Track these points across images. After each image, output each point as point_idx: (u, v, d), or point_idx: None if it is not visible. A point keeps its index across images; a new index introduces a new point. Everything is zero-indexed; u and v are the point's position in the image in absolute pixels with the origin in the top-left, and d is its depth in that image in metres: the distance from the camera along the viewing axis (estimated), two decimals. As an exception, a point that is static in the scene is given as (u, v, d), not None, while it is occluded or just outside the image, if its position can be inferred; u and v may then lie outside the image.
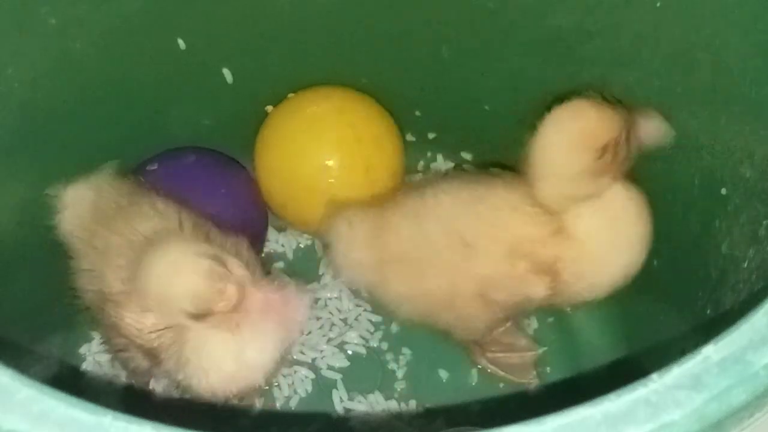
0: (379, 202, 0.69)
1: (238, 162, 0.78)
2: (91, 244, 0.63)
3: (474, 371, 0.74)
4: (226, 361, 0.57)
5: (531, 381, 0.74)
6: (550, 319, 0.76)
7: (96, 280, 0.62)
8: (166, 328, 0.58)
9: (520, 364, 0.74)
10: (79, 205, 0.65)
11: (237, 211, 0.73)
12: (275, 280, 0.61)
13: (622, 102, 0.60)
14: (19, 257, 0.65)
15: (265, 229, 0.78)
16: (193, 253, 0.55)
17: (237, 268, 0.56)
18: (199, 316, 0.55)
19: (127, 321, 0.59)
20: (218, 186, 0.74)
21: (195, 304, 0.54)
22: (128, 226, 0.62)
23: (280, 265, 0.78)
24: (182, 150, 0.75)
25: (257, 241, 0.77)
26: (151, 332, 0.58)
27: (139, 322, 0.58)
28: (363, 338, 0.75)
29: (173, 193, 0.68)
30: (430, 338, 0.74)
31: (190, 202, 0.68)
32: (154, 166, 0.73)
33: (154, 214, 0.63)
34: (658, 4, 0.58)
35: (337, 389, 0.72)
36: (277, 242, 0.79)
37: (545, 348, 0.75)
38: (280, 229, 0.79)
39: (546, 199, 0.61)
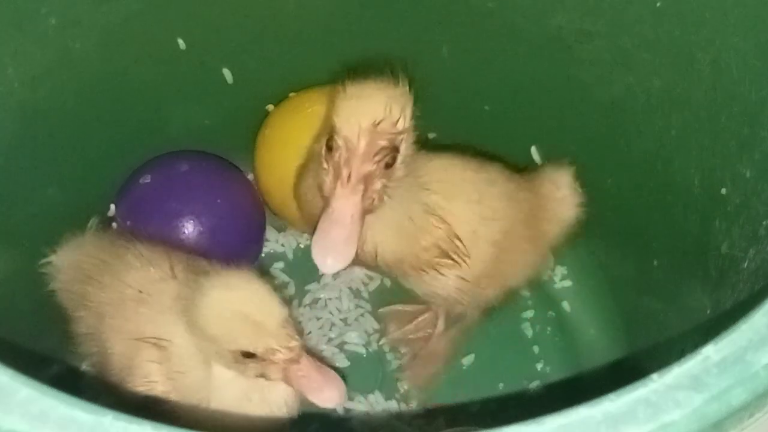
0: None
1: (233, 164, 0.78)
2: (84, 306, 0.61)
3: (474, 371, 0.74)
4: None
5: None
6: (550, 319, 0.76)
7: (96, 342, 0.61)
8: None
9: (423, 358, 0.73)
10: (65, 271, 0.64)
11: (234, 219, 0.73)
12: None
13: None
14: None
15: (263, 232, 0.78)
16: (268, 290, 0.52)
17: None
18: (252, 357, 0.51)
19: (137, 384, 0.57)
20: (215, 196, 0.73)
21: (264, 342, 0.51)
22: (117, 281, 0.60)
23: (280, 265, 0.78)
24: (175, 157, 0.75)
25: (256, 246, 0.77)
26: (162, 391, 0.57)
27: (149, 384, 0.57)
28: (363, 338, 0.75)
29: (160, 231, 0.67)
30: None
31: (187, 216, 0.70)
32: (147, 179, 0.73)
33: (141, 264, 0.60)
34: (658, 4, 0.58)
35: (337, 389, 0.72)
36: (277, 242, 0.79)
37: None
38: (280, 229, 0.79)
39: None
